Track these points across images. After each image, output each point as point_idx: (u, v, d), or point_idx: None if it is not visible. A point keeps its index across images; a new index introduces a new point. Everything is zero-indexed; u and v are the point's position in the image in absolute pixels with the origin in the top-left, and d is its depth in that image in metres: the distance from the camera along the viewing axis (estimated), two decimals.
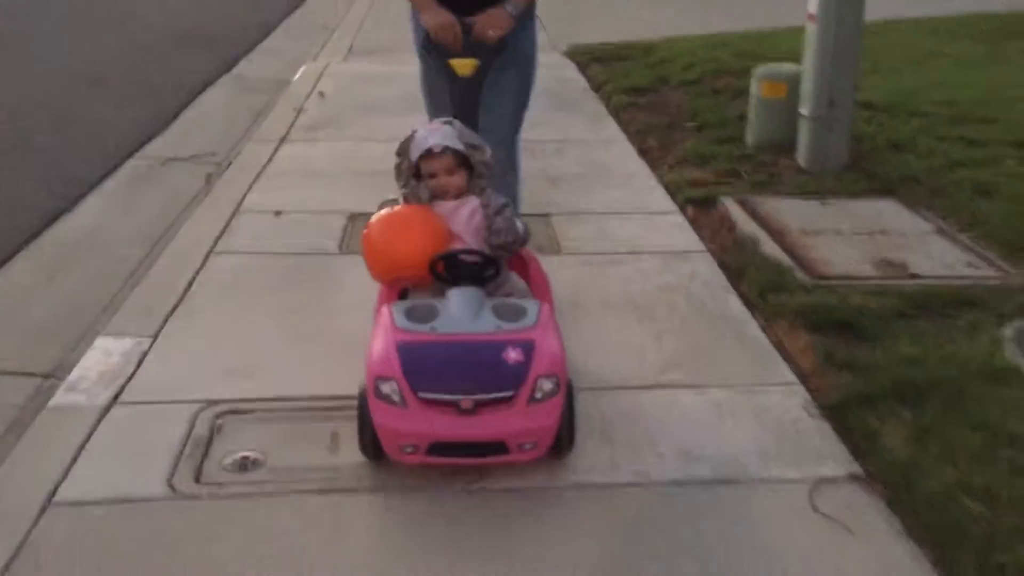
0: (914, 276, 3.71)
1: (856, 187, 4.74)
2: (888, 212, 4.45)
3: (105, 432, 2.64)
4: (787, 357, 3.13)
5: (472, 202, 2.65)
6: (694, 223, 4.41)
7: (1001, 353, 3.03)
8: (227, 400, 2.79)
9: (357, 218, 4.24)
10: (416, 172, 2.63)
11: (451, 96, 3.07)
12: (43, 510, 2.30)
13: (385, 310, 2.45)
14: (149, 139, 5.96)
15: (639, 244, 4.10)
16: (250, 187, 4.75)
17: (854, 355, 3.02)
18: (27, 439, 2.63)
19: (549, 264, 3.76)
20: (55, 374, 3.08)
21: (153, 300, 3.47)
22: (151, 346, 3.11)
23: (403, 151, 2.64)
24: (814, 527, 2.32)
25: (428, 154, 2.57)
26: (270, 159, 5.25)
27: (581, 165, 5.22)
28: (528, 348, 2.30)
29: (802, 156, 5.05)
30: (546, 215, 4.38)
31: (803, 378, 3.00)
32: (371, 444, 2.39)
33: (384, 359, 2.30)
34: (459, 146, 2.58)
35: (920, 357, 2.94)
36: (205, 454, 2.54)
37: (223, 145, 5.83)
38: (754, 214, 4.40)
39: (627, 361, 3.09)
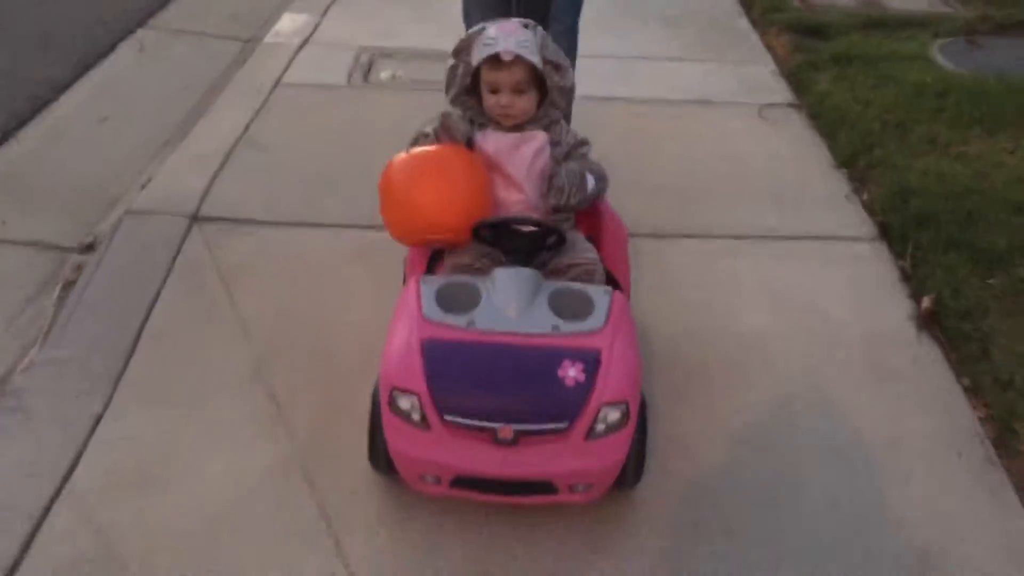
0: (884, 8, 4.85)
1: None
2: None
3: (302, 57, 4.07)
4: (769, 49, 4.37)
5: (538, 138, 2.03)
6: None
7: (923, 50, 4.21)
8: (378, 48, 4.17)
9: None
10: (473, 82, 2.02)
11: None
12: (273, 87, 3.75)
13: (412, 288, 1.85)
14: None
15: None
16: None
17: (815, 45, 4.25)
18: (252, 59, 4.06)
19: None
20: (254, 38, 4.46)
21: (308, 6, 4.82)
22: (321, 19, 4.49)
23: (462, 50, 2.01)
24: (758, 127, 3.63)
25: (495, 61, 1.93)
26: None
27: None
28: (592, 362, 1.74)
29: None
30: None
31: (777, 61, 4.25)
32: (383, 457, 1.90)
33: (404, 364, 1.75)
34: (536, 59, 1.94)
35: (859, 44, 4.15)
36: (368, 70, 3.95)
37: None
38: None
39: (652, 47, 4.38)
